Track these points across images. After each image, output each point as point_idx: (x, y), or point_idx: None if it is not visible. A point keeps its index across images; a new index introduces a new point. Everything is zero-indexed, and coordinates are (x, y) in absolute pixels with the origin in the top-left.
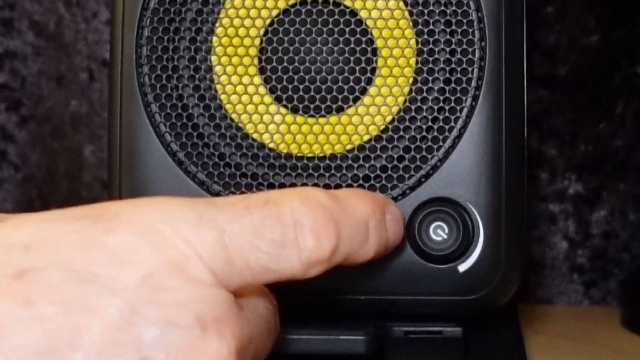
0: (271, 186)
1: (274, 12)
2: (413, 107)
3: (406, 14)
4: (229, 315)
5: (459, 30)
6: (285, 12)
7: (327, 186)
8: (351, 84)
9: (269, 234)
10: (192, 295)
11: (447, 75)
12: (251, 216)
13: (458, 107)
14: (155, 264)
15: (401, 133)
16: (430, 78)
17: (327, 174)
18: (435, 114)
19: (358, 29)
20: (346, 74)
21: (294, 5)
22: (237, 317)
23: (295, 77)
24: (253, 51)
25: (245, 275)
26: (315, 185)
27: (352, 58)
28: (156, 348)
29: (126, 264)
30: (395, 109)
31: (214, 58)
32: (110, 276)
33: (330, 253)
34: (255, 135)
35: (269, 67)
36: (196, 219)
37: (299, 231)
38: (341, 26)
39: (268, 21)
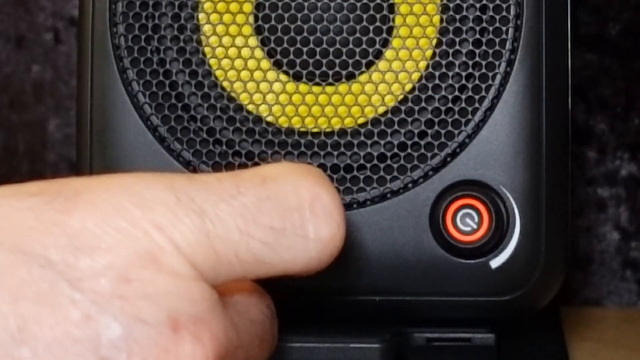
0: None
1: None
2: (437, 73)
3: None
4: (210, 314)
5: None
6: None
7: (335, 166)
8: (364, 46)
9: (266, 220)
10: (164, 288)
11: (477, 35)
12: (242, 197)
13: (490, 74)
14: (120, 254)
15: (423, 104)
16: (457, 39)
17: (335, 153)
18: (463, 81)
19: None
20: (358, 35)
21: None
22: (221, 318)
23: (298, 38)
24: (248, 7)
25: (234, 268)
26: (322, 165)
27: (364, 15)
28: (118, 347)
29: (86, 250)
30: (415, 76)
31: (201, 15)
32: (67, 262)
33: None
34: (250, 107)
35: (266, 26)
36: (173, 200)
37: (306, 216)
38: None
39: None
